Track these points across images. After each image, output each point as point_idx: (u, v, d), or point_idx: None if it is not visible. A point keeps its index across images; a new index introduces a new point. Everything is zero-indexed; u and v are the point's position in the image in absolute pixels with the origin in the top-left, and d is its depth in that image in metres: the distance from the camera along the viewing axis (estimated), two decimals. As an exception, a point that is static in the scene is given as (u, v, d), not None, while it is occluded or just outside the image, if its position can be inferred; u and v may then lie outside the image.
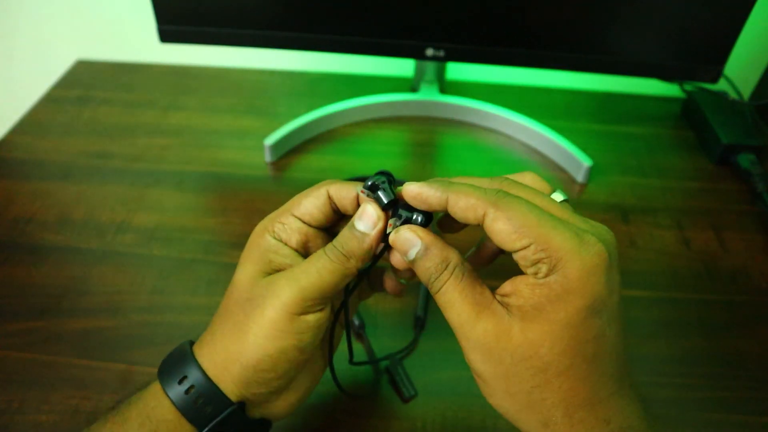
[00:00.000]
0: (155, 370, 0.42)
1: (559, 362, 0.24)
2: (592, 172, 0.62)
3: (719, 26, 0.55)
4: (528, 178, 0.29)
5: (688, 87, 0.72)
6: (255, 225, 0.55)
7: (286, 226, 0.31)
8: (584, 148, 0.63)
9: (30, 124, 0.69)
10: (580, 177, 0.62)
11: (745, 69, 0.76)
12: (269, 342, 0.28)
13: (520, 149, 0.67)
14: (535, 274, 0.25)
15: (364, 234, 0.29)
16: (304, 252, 0.31)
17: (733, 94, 0.69)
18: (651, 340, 0.47)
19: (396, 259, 0.30)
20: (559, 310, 0.24)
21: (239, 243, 0.54)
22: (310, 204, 0.31)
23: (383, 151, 0.65)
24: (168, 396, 0.29)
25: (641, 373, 0.44)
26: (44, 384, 0.42)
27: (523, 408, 0.26)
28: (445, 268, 0.27)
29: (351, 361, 0.36)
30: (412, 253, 0.28)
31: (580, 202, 0.60)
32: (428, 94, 0.70)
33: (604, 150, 0.66)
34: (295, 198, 0.32)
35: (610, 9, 0.55)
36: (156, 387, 0.30)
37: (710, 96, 0.70)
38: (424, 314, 0.47)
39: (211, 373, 0.29)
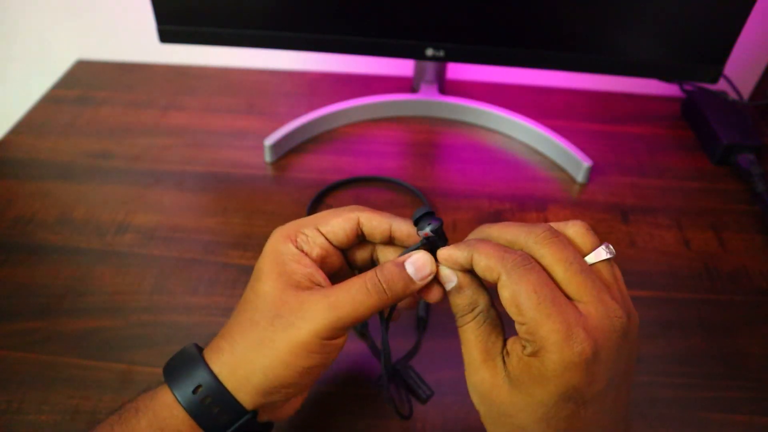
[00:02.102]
0: (155, 370, 0.43)
1: (535, 428, 0.26)
2: (592, 172, 0.62)
3: (719, 26, 0.55)
4: (572, 231, 0.29)
5: (688, 87, 0.72)
6: (255, 225, 0.55)
7: (309, 238, 0.31)
8: (584, 148, 0.63)
9: (30, 124, 0.69)
10: (580, 177, 0.62)
11: (745, 69, 0.76)
12: (299, 361, 0.29)
13: (520, 149, 0.67)
14: (523, 347, 0.26)
15: (413, 280, 0.30)
16: (321, 266, 0.32)
17: (733, 94, 0.69)
18: (651, 340, 0.47)
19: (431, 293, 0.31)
20: (534, 389, 0.26)
21: (239, 243, 0.54)
22: (338, 225, 0.32)
23: (383, 151, 0.65)
24: (181, 404, 0.29)
25: (641, 373, 0.44)
26: (44, 384, 0.42)
27: None
28: (471, 311, 0.29)
29: (387, 384, 0.36)
30: (448, 287, 0.30)
31: (580, 202, 0.60)
32: (428, 94, 0.70)
33: (604, 150, 0.66)
34: (323, 214, 0.32)
35: (610, 9, 0.55)
36: (166, 397, 0.29)
37: (710, 96, 0.70)
38: (426, 315, 0.47)
39: (229, 383, 0.29)
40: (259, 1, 0.58)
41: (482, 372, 0.28)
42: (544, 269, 0.27)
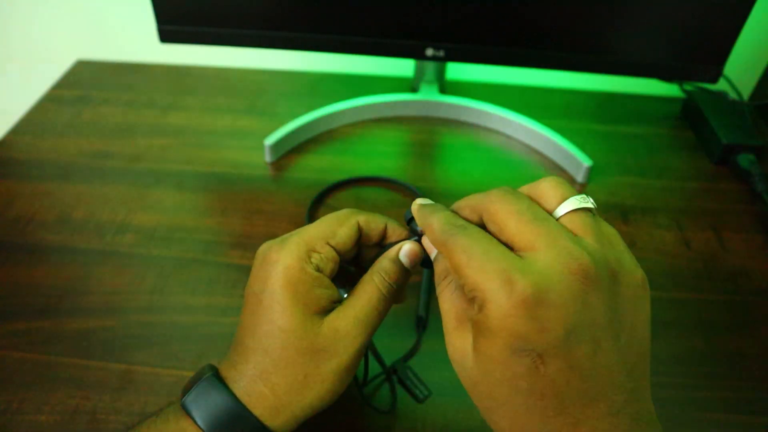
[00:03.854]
0: (155, 370, 0.43)
1: (499, 392, 0.25)
2: (592, 172, 0.62)
3: (719, 26, 0.55)
4: (543, 184, 0.28)
5: (688, 87, 0.72)
6: (255, 225, 0.55)
7: (323, 255, 0.31)
8: (584, 148, 0.63)
9: (30, 124, 0.69)
10: (580, 177, 0.62)
11: (745, 69, 0.76)
12: (344, 385, 0.30)
13: (520, 149, 0.67)
14: (473, 309, 0.26)
15: (408, 271, 0.32)
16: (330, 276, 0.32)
17: (732, 94, 0.69)
18: (651, 340, 0.47)
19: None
20: (486, 346, 0.25)
21: (239, 243, 0.54)
22: (345, 234, 0.32)
23: (383, 151, 0.65)
24: None
25: (641, 373, 0.44)
26: (44, 384, 0.42)
27: (489, 420, 0.27)
28: (445, 278, 0.29)
29: (365, 381, 0.40)
30: (432, 256, 0.31)
31: (580, 202, 0.60)
32: (428, 94, 0.70)
33: (604, 150, 0.66)
34: (327, 225, 0.32)
35: (610, 9, 0.55)
36: None
37: (710, 96, 0.70)
38: (426, 314, 0.47)
39: (273, 424, 0.29)
40: (260, 1, 0.58)
41: (454, 338, 0.27)
42: (498, 224, 0.26)
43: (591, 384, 0.24)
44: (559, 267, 0.24)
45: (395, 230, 0.33)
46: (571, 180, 0.62)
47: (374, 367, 0.43)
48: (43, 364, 0.43)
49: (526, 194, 0.28)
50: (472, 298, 0.25)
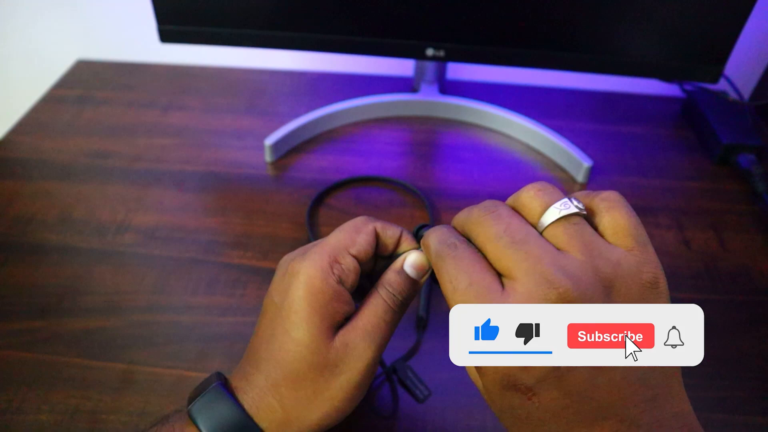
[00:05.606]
0: (155, 370, 0.43)
1: (504, 419, 0.25)
2: (592, 172, 0.62)
3: (719, 26, 0.55)
4: (523, 197, 0.27)
5: (688, 87, 0.72)
6: (255, 225, 0.55)
7: (344, 267, 0.30)
8: (584, 148, 0.63)
9: (30, 124, 0.69)
10: (580, 177, 0.62)
11: (745, 69, 0.76)
12: (352, 403, 0.29)
13: (520, 149, 0.67)
14: None
15: (416, 282, 0.31)
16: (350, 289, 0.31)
17: (733, 94, 0.69)
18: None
19: None
20: (482, 380, 0.25)
21: (239, 243, 0.54)
22: (366, 242, 0.31)
23: (383, 151, 0.65)
24: None
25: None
26: (44, 384, 0.42)
27: None
28: None
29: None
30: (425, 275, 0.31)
31: (580, 202, 0.60)
32: (428, 94, 0.70)
33: (604, 150, 0.66)
34: (346, 234, 0.31)
35: (610, 9, 0.55)
36: None
37: (710, 96, 0.70)
38: (426, 315, 0.47)
39: None
40: (260, 1, 0.58)
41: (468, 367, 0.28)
42: (479, 247, 0.26)
43: (594, 404, 0.23)
44: (538, 297, 0.23)
45: (406, 240, 0.32)
46: (571, 180, 0.62)
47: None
48: (43, 364, 0.43)
49: (510, 206, 0.27)
50: None
